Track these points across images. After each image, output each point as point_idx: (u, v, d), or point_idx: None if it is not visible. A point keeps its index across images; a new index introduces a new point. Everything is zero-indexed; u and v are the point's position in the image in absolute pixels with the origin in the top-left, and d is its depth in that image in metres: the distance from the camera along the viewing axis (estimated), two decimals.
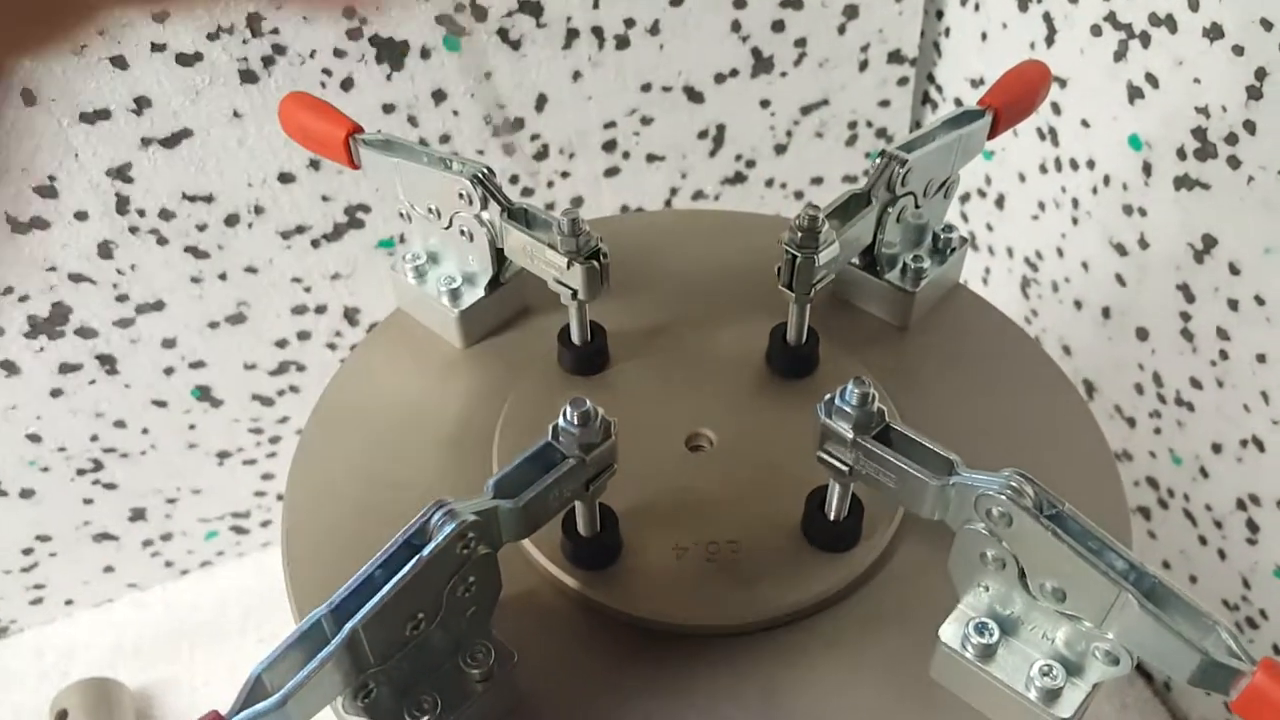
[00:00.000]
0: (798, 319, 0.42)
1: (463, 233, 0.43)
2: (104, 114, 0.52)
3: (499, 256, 0.43)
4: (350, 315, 0.66)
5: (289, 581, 0.38)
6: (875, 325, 0.46)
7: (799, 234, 0.39)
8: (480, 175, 0.41)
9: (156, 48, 0.51)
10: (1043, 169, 0.65)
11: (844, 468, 0.34)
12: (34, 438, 0.63)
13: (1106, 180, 0.60)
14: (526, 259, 0.41)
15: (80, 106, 0.52)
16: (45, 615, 0.73)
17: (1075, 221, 0.64)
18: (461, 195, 0.41)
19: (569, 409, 0.33)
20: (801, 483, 0.38)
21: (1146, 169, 0.57)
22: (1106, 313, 0.64)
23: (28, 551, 0.69)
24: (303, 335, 0.65)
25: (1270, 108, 0.48)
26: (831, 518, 0.37)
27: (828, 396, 0.34)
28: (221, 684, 0.71)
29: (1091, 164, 0.61)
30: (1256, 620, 0.61)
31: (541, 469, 0.33)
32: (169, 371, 0.64)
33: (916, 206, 0.43)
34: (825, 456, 0.34)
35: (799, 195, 0.72)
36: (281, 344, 0.65)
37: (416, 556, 0.30)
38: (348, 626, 0.29)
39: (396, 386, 0.44)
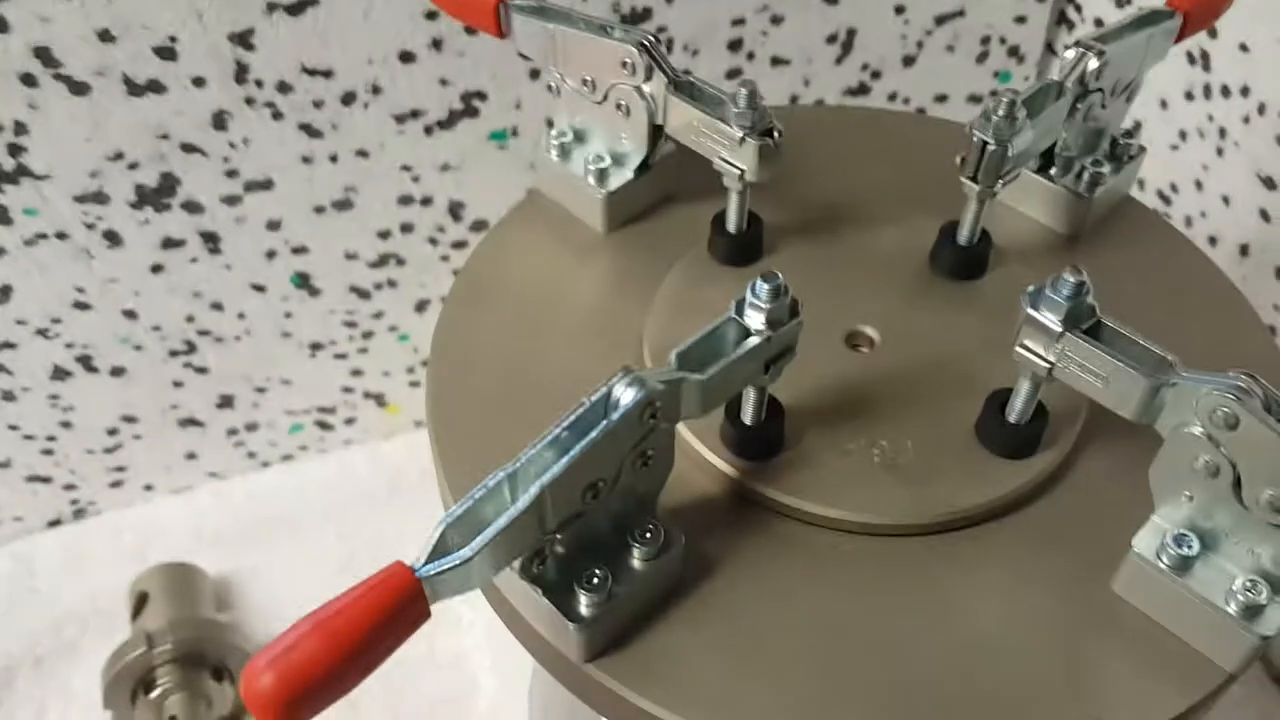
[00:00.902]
0: (974, 216, 0.39)
1: (619, 107, 0.41)
2: None
3: (654, 134, 0.41)
4: (455, 210, 0.64)
5: (437, 455, 0.36)
6: (1042, 232, 0.43)
7: (993, 120, 0.36)
8: (647, 43, 0.39)
9: None
10: (1188, 96, 0.62)
11: (1044, 365, 0.32)
12: (130, 314, 0.62)
13: (1261, 109, 0.57)
14: (691, 135, 0.39)
15: None
16: (124, 499, 0.72)
17: (1220, 152, 0.61)
18: (625, 64, 0.39)
19: (760, 282, 0.31)
20: (972, 385, 0.36)
21: None
22: (1245, 250, 0.61)
23: (113, 432, 0.68)
24: (406, 227, 0.64)
25: None
26: (1013, 421, 0.35)
27: (1033, 287, 0.32)
28: (302, 577, 0.70)
29: (1246, 91, 0.58)
30: None
31: (725, 344, 0.31)
32: (271, 255, 0.62)
33: (1103, 106, 0.41)
34: (1024, 352, 0.32)
35: (921, 112, 0.69)
36: (384, 235, 0.64)
37: (605, 420, 0.28)
38: (537, 484, 0.27)
39: (537, 268, 0.42)
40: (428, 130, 0.59)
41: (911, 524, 0.34)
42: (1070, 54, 0.39)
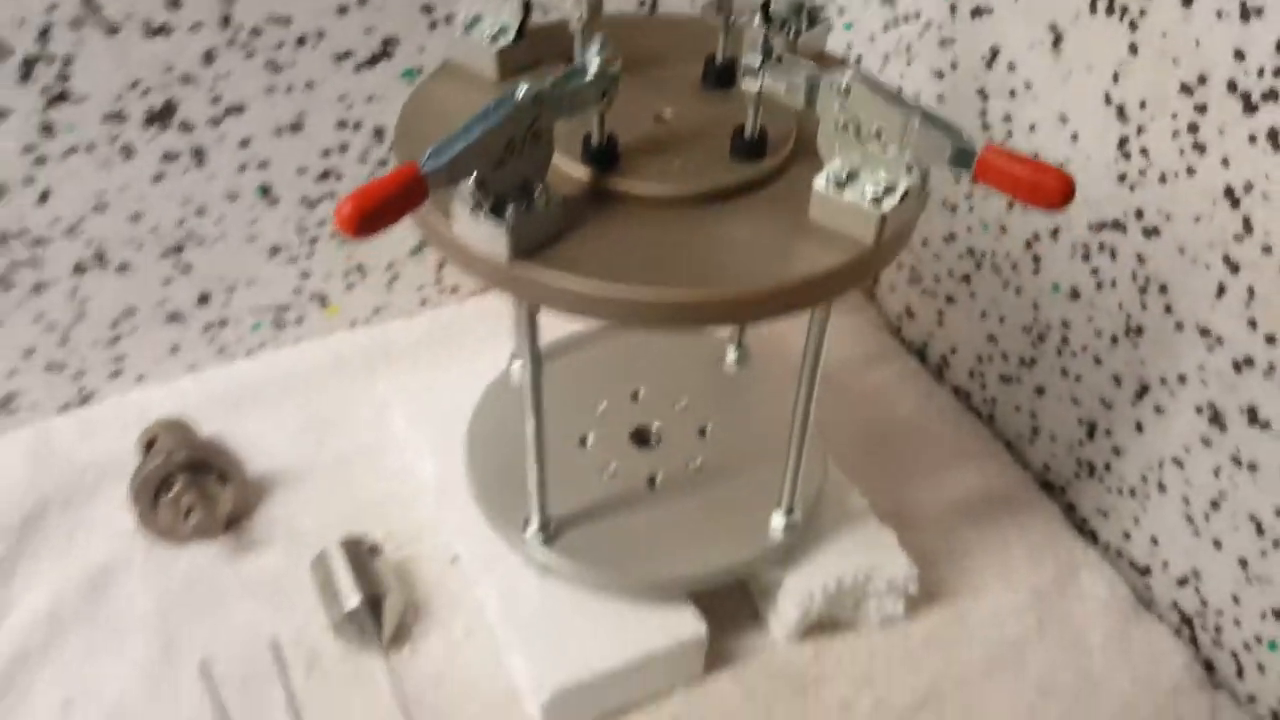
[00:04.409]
0: (723, 41, 0.65)
1: None
2: None
3: (525, 9, 0.65)
4: (378, 133, 0.86)
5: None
6: None
7: None
8: None
9: None
10: (885, 28, 0.90)
11: (755, 88, 0.57)
12: (136, 217, 0.82)
13: (927, 25, 0.85)
14: None
15: None
16: (121, 388, 0.91)
17: (909, 63, 0.89)
18: None
19: (594, 40, 0.55)
20: (727, 132, 0.61)
21: (952, 9, 0.82)
22: None
23: (115, 324, 0.87)
24: (342, 147, 0.86)
25: None
26: (747, 137, 0.60)
27: (748, 45, 0.57)
28: (270, 436, 0.89)
29: (918, 14, 0.86)
30: (1046, 335, 0.86)
31: (581, 75, 0.55)
32: (242, 168, 0.83)
33: None
34: (745, 84, 0.57)
35: None
36: (326, 154, 0.86)
37: (514, 96, 0.52)
38: (480, 127, 0.50)
39: (455, 99, 0.66)
40: (357, 68, 0.82)
41: (697, 193, 0.58)
42: None
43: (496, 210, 0.53)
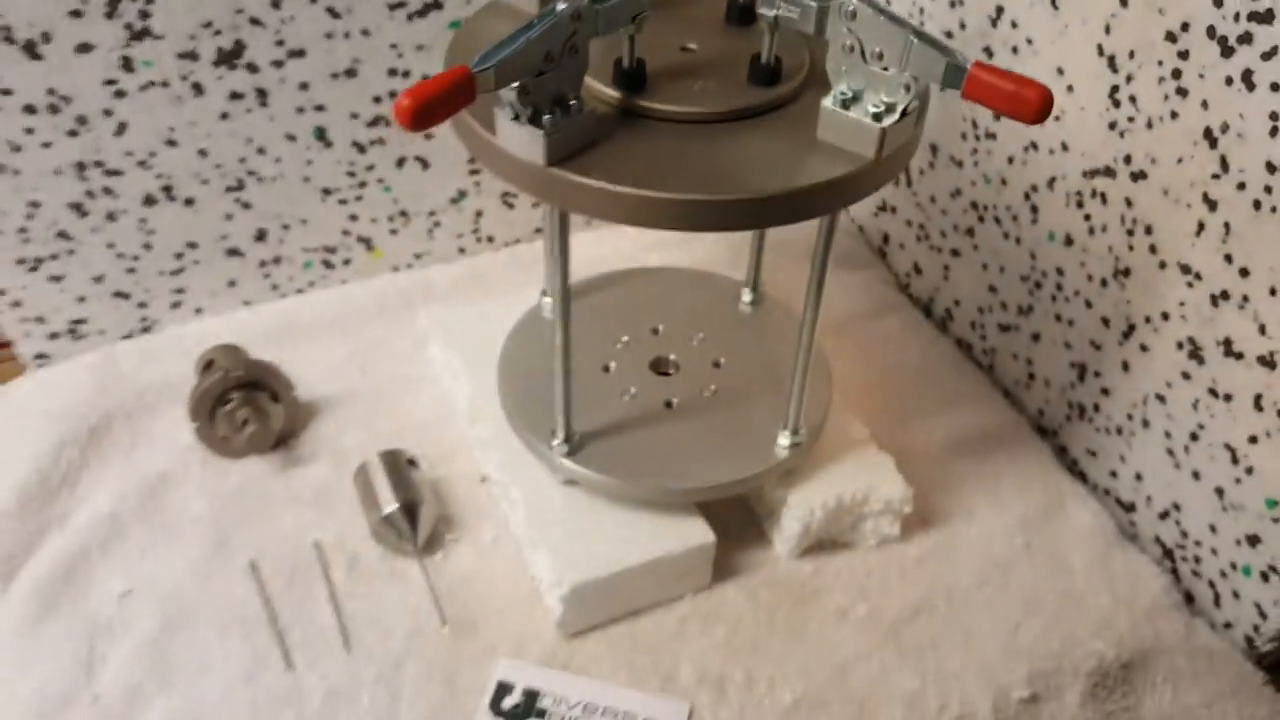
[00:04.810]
0: None
1: None
2: None
3: None
4: None
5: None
6: None
7: None
8: None
9: None
10: None
11: (771, 14, 0.63)
12: (202, 153, 0.89)
13: None
14: None
15: None
16: (180, 319, 0.98)
17: (922, 24, 0.95)
18: None
19: None
20: (749, 64, 0.68)
21: None
22: None
23: (179, 256, 0.94)
24: (392, 94, 0.93)
25: None
26: (764, 62, 0.66)
27: None
28: (318, 365, 0.96)
29: None
30: (1042, 282, 0.91)
31: None
32: (300, 111, 0.91)
33: None
34: (761, 10, 0.64)
35: None
36: (377, 100, 0.93)
37: (558, 7, 0.58)
38: (524, 38, 0.57)
39: (500, 30, 0.72)
40: (409, 17, 0.89)
41: (716, 113, 0.65)
42: None
43: (535, 120, 0.60)
